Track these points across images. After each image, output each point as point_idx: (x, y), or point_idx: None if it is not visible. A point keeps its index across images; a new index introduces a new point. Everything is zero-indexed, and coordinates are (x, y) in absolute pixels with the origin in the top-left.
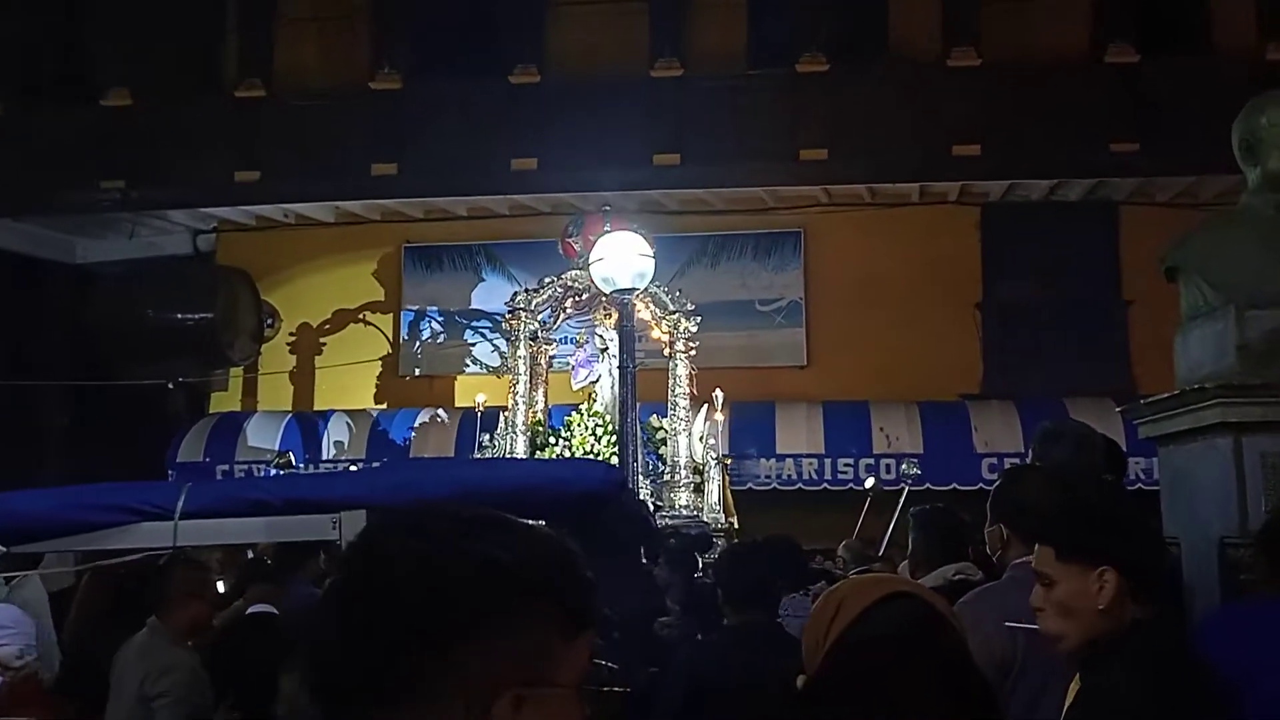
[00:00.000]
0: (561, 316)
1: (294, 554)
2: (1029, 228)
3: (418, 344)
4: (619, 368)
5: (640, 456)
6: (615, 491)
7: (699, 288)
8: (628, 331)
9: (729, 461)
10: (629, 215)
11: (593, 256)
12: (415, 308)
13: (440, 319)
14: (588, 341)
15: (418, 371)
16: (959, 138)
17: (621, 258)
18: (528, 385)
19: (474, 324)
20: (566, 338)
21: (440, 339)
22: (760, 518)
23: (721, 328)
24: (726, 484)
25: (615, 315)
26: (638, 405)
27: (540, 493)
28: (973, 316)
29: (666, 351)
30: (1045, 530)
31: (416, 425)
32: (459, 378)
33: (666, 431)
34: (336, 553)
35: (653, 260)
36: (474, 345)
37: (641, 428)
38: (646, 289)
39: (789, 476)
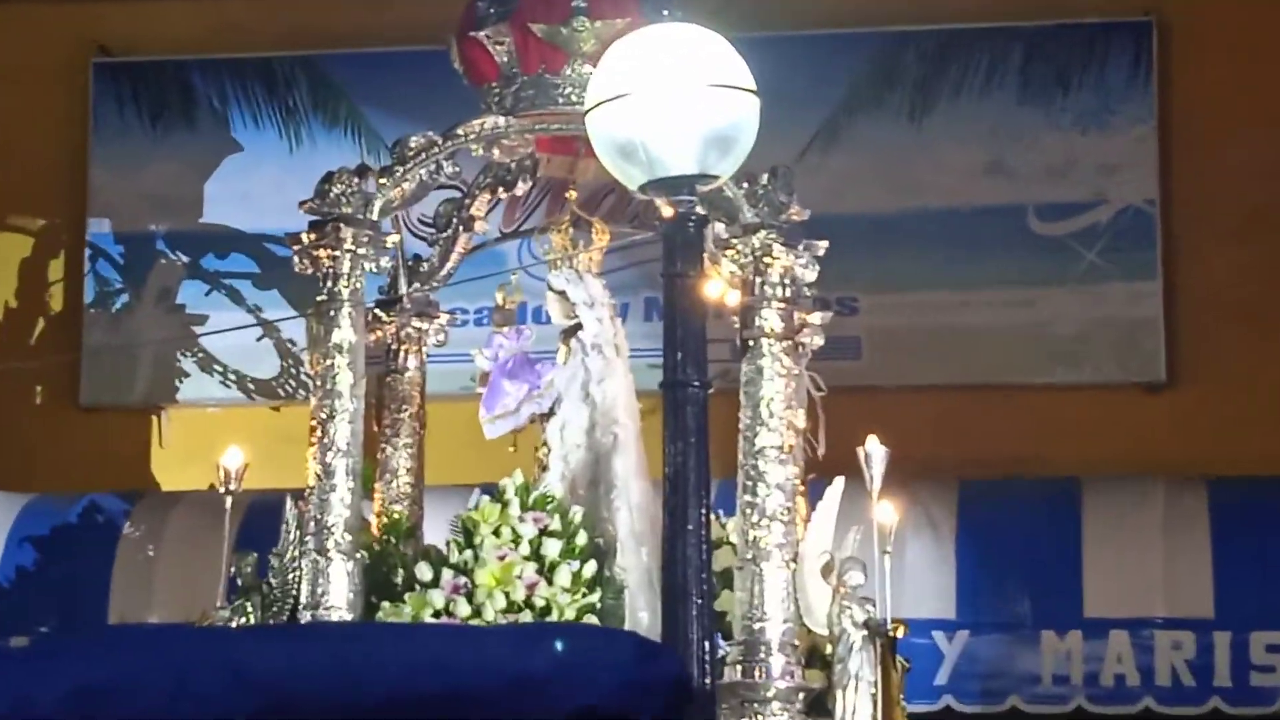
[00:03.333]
0: (460, 244)
1: None
2: None
3: (114, 314)
4: (667, 386)
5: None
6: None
7: (867, 168)
8: (683, 289)
9: (898, 633)
10: None
11: (599, 89)
12: (133, 226)
13: (182, 254)
14: (517, 316)
15: (135, 394)
16: None
17: (673, 96)
18: (357, 425)
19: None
20: (475, 314)
21: (175, 302)
22: None
23: (927, 279)
24: (898, 694)
25: (604, 235)
26: (708, 484)
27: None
28: None
29: (744, 338)
30: None
31: (122, 531)
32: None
33: (736, 552)
34: None
35: (755, 104)
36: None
37: None
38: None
39: (1119, 682)
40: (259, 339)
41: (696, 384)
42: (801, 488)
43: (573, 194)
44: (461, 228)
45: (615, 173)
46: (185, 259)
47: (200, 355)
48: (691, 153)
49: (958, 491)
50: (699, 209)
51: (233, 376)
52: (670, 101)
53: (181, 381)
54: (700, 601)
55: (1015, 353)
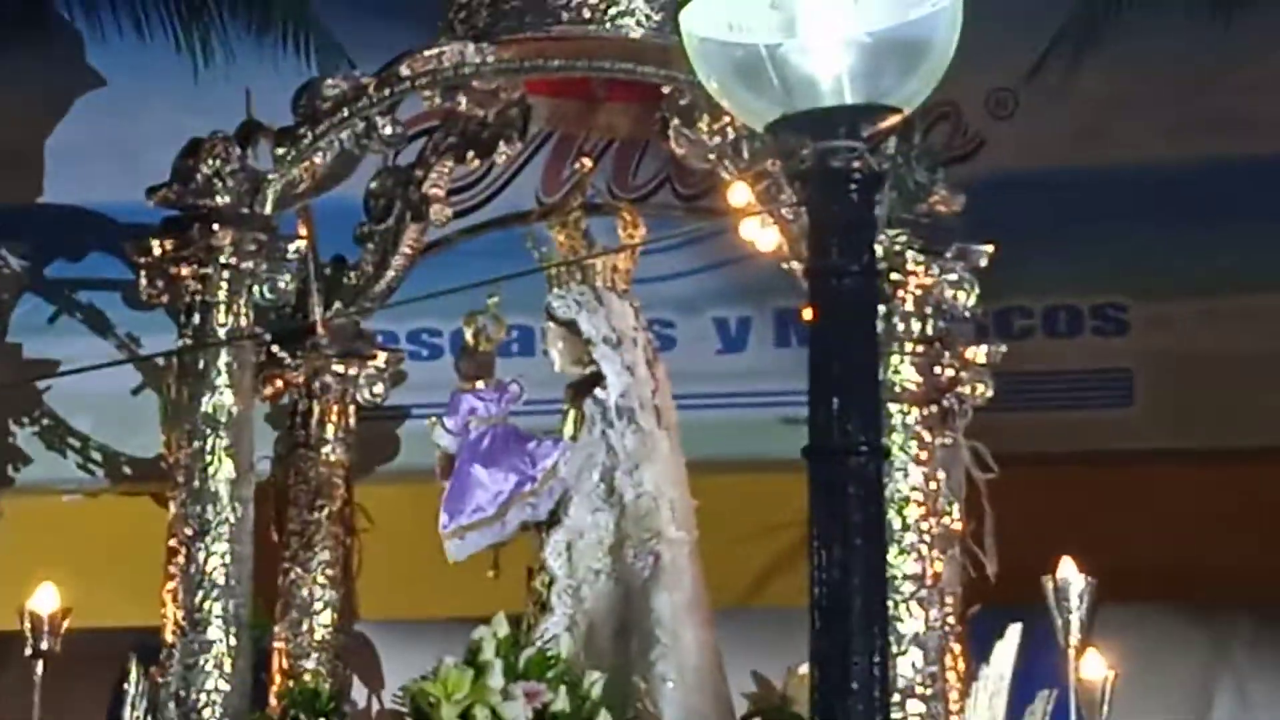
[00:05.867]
0: (407, 240)
1: None
2: None
3: None
4: (816, 454)
5: None
6: None
7: (1144, 93)
8: (842, 295)
9: None
10: None
11: None
12: None
13: (9, 252)
14: (492, 370)
15: None
16: None
17: None
18: (242, 546)
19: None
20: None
21: None
22: None
23: (1246, 275)
24: None
25: (635, 228)
26: (885, 618)
27: None
28: None
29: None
30: None
31: None
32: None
33: None
34: None
35: None
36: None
37: None
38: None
39: None
40: (136, 390)
41: (864, 449)
42: (958, 631)
43: (587, 163)
44: (409, 215)
45: (729, 103)
46: (15, 261)
47: (45, 421)
48: (853, 70)
49: None
50: (867, 161)
51: (96, 454)
52: None
53: (19, 465)
54: None
55: None
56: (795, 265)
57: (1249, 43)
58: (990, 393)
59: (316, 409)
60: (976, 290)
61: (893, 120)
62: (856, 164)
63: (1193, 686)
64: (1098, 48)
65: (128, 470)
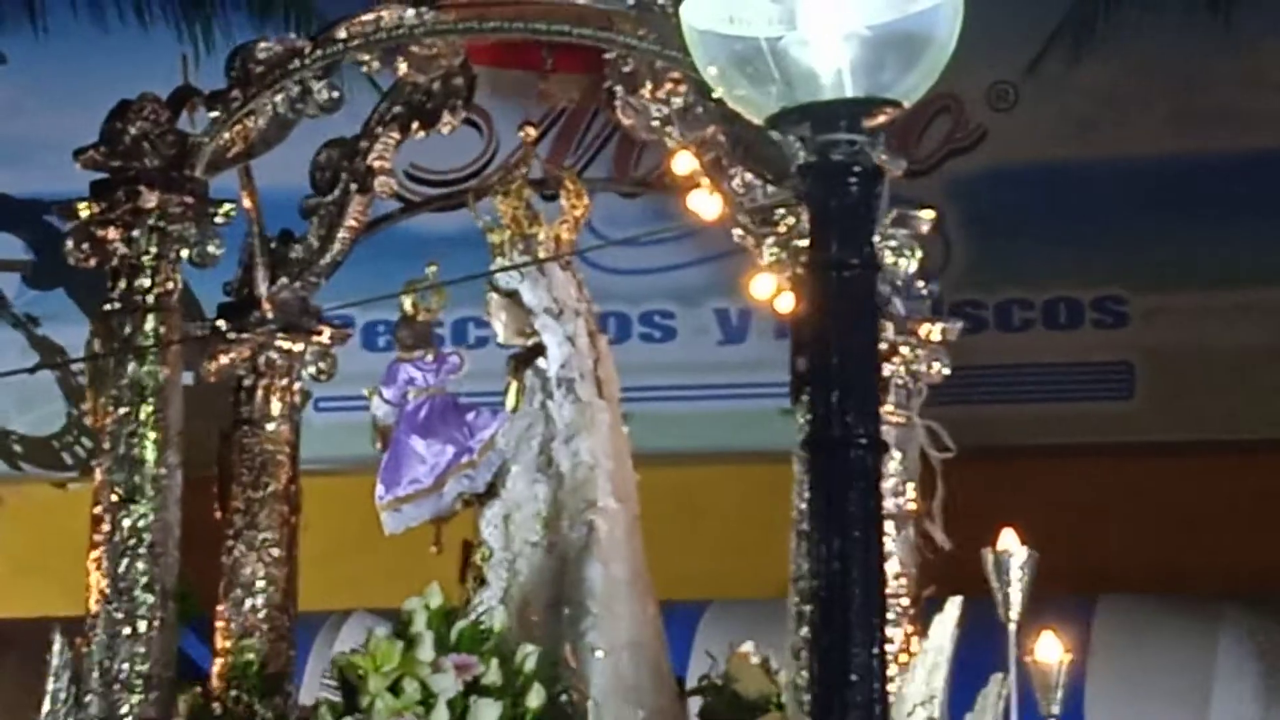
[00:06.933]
0: (352, 213)
1: None
2: None
3: None
4: (814, 446)
5: None
6: None
7: (1142, 86)
8: (840, 288)
9: None
10: None
11: None
12: None
13: None
14: (435, 333)
15: None
16: None
17: None
18: (169, 514)
19: None
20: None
21: None
22: None
23: (1247, 267)
24: None
25: (578, 200)
26: (884, 610)
27: None
28: None
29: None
30: None
31: None
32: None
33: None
34: None
35: None
36: None
37: None
38: None
39: None
40: (33, 370)
41: (863, 441)
42: (912, 611)
43: (531, 132)
44: (355, 187)
45: (729, 96)
46: None
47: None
48: (854, 63)
49: None
50: (869, 155)
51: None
52: None
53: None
54: None
55: None
56: (738, 233)
57: (1247, 37)
58: (947, 370)
59: (260, 387)
60: (918, 256)
61: (893, 114)
62: (856, 157)
63: (1187, 678)
64: (1097, 42)
65: (17, 449)
